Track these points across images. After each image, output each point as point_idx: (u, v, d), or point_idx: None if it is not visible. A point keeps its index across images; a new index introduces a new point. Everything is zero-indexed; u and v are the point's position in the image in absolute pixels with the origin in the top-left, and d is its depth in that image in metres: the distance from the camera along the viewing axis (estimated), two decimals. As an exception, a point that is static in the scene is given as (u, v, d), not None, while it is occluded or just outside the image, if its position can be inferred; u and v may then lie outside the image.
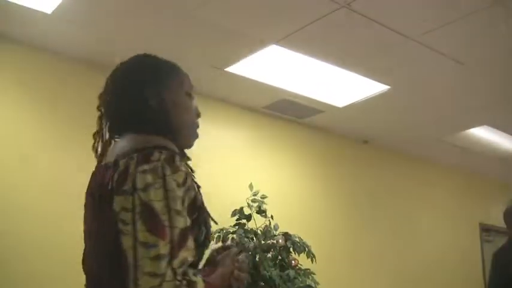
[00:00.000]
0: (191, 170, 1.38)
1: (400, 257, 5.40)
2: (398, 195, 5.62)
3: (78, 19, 3.21)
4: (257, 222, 3.90)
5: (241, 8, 3.11)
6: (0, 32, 3.40)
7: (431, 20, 3.19)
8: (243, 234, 3.77)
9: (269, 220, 3.93)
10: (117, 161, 1.25)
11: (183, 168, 1.26)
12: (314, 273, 3.89)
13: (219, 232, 3.75)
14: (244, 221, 3.87)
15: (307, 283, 3.77)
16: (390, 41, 3.42)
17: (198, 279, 1.19)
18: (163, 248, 1.14)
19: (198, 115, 1.47)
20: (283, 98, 4.38)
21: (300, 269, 3.85)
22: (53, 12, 3.14)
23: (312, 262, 3.88)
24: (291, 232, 3.93)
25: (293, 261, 3.82)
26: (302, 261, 3.89)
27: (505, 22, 3.16)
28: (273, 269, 3.66)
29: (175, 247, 1.16)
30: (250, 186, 3.95)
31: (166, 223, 1.17)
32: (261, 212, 3.90)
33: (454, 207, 6.17)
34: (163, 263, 1.13)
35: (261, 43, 3.52)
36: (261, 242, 3.81)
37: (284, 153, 4.81)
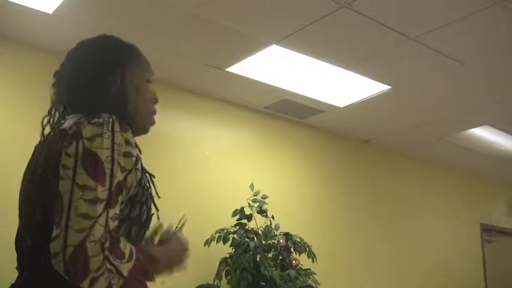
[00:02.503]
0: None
1: (401, 257, 5.39)
2: (399, 195, 5.61)
3: (79, 19, 3.22)
4: (258, 222, 3.91)
5: (241, 8, 3.11)
6: (0, 32, 3.41)
7: (432, 19, 3.19)
8: (244, 234, 3.77)
9: (270, 220, 3.93)
10: (65, 130, 1.24)
11: (133, 141, 1.26)
12: (315, 273, 3.89)
13: (219, 232, 3.75)
14: (245, 221, 3.87)
15: (308, 283, 3.77)
16: (391, 41, 3.42)
17: (126, 243, 1.17)
18: (101, 193, 1.14)
19: (155, 101, 1.46)
20: (284, 98, 4.38)
21: (300, 269, 3.85)
22: (53, 12, 3.15)
23: (313, 262, 3.88)
24: (291, 232, 3.93)
25: (294, 261, 3.82)
26: (303, 261, 3.89)
27: (505, 22, 3.16)
28: (273, 269, 3.66)
29: (113, 197, 1.16)
30: (251, 186, 3.95)
31: (108, 171, 1.16)
32: (261, 212, 3.90)
33: (455, 207, 6.16)
34: (99, 207, 1.12)
35: (262, 43, 3.52)
36: (261, 242, 3.82)
37: (285, 153, 4.81)
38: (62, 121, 1.37)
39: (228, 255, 3.75)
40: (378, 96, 4.27)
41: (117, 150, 1.19)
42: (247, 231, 3.83)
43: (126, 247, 1.15)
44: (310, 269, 3.89)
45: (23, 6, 3.08)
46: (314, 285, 3.81)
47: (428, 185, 5.94)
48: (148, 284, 1.26)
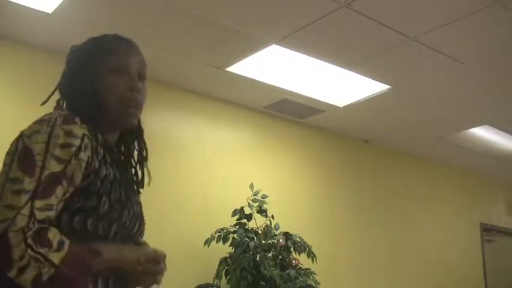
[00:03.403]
0: (109, 151, 1.36)
1: (401, 256, 5.40)
2: (399, 194, 5.61)
3: (79, 19, 3.22)
4: (258, 222, 3.91)
5: (241, 7, 3.11)
6: (0, 32, 3.41)
7: (432, 19, 3.19)
8: (244, 234, 3.77)
9: (270, 220, 3.93)
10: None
11: (85, 131, 1.26)
12: (315, 273, 3.89)
13: (219, 232, 3.75)
14: (244, 220, 3.87)
15: (308, 283, 3.77)
16: (390, 41, 3.42)
17: (58, 234, 1.15)
18: (28, 185, 1.15)
19: (131, 89, 1.40)
20: (284, 98, 4.38)
21: (300, 268, 3.85)
22: (53, 11, 3.15)
23: (313, 262, 3.88)
24: (291, 232, 3.94)
25: (294, 261, 3.82)
26: (303, 261, 3.89)
27: (505, 22, 3.16)
28: (273, 268, 3.66)
29: (41, 187, 1.16)
30: (251, 186, 3.95)
31: (39, 163, 1.18)
32: (261, 211, 3.90)
33: (455, 207, 6.16)
34: (23, 198, 1.13)
35: (262, 43, 3.52)
36: (261, 241, 3.82)
37: (285, 153, 4.81)
38: None
39: (227, 255, 3.75)
40: (378, 96, 4.27)
41: (52, 142, 1.20)
42: (247, 230, 3.83)
43: (55, 237, 1.14)
44: (310, 269, 3.89)
45: (23, 6, 3.08)
46: (314, 285, 3.81)
47: (428, 185, 5.94)
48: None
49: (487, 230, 6.47)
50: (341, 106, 4.51)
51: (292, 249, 3.86)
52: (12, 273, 1.09)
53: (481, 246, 6.32)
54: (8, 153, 1.22)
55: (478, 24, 3.19)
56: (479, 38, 3.40)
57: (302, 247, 3.87)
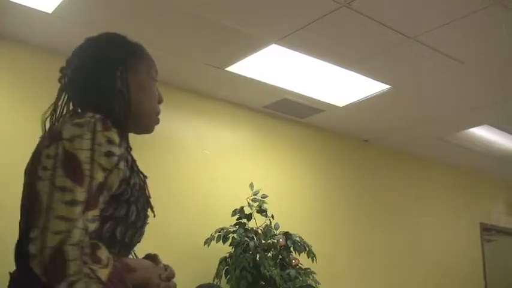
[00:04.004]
0: (132, 158, 1.35)
1: (401, 256, 5.40)
2: (399, 194, 5.62)
3: (79, 18, 3.22)
4: (258, 222, 3.91)
5: (241, 7, 3.11)
6: (0, 32, 3.41)
7: (432, 19, 3.19)
8: (244, 234, 3.77)
9: (270, 219, 3.93)
10: (51, 129, 1.25)
11: (119, 138, 1.23)
12: (315, 273, 3.89)
13: (219, 232, 3.75)
14: (244, 220, 3.87)
15: (308, 283, 3.77)
16: (390, 41, 3.42)
17: (103, 249, 1.14)
18: (80, 195, 1.12)
19: (160, 101, 1.46)
20: (284, 98, 4.38)
21: (300, 268, 3.85)
22: (53, 11, 3.15)
23: (313, 261, 3.88)
24: (291, 231, 3.94)
25: (294, 261, 3.82)
26: (303, 260, 3.89)
27: (504, 22, 3.16)
28: (273, 268, 3.66)
29: (92, 198, 1.14)
30: (251, 186, 3.95)
31: (87, 172, 1.15)
32: (261, 211, 3.90)
33: (455, 207, 6.16)
34: (77, 209, 1.11)
35: (262, 42, 3.52)
36: (261, 241, 3.82)
37: (284, 153, 4.81)
38: (60, 120, 1.37)
39: (227, 255, 3.75)
40: (378, 95, 4.27)
41: (97, 150, 1.17)
42: (247, 230, 3.83)
43: (103, 253, 1.13)
44: (309, 269, 3.89)
45: (23, 5, 3.08)
46: (314, 285, 3.81)
47: (428, 185, 5.95)
48: None
49: (487, 230, 6.47)
50: (341, 106, 4.51)
51: (292, 248, 3.86)
52: (62, 287, 1.06)
53: (481, 246, 6.32)
54: (48, 157, 1.16)
55: (478, 24, 3.19)
56: (479, 38, 3.40)
57: (302, 247, 3.87)
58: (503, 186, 6.86)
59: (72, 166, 1.14)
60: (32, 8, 3.11)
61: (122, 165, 1.23)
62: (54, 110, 1.39)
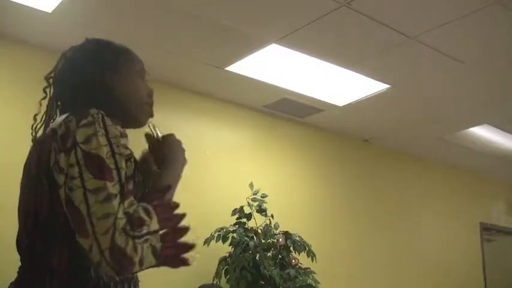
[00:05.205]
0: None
1: (401, 255, 5.40)
2: (399, 194, 5.62)
3: (79, 18, 3.22)
4: (257, 221, 3.91)
5: (241, 7, 3.11)
6: (0, 31, 3.41)
7: (432, 18, 3.18)
8: (243, 233, 3.77)
9: (269, 219, 3.93)
10: (54, 129, 1.25)
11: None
12: (314, 272, 3.89)
13: (219, 231, 3.75)
14: (244, 220, 3.88)
15: (308, 282, 3.77)
16: (390, 40, 3.42)
17: (138, 208, 1.19)
18: (112, 189, 1.15)
19: (150, 94, 1.48)
20: (284, 97, 4.38)
21: (300, 268, 3.85)
22: (53, 11, 3.15)
23: (313, 261, 3.88)
24: (291, 231, 3.94)
25: (293, 260, 3.83)
26: (302, 260, 3.89)
27: (505, 22, 3.16)
28: (273, 268, 3.66)
29: (124, 188, 1.18)
30: (251, 185, 3.95)
31: (113, 166, 1.18)
32: (261, 211, 3.90)
33: (455, 206, 6.17)
34: (115, 202, 1.14)
35: (261, 42, 3.52)
36: (261, 241, 3.82)
37: (284, 152, 4.81)
38: (52, 120, 1.40)
39: (227, 254, 3.75)
40: (378, 95, 4.27)
41: (114, 143, 1.20)
42: (246, 230, 3.83)
43: (140, 212, 1.17)
44: (309, 268, 3.89)
45: (22, 5, 3.08)
46: (314, 284, 3.81)
47: (428, 184, 5.95)
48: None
49: (487, 230, 6.48)
50: (341, 105, 4.51)
51: (291, 248, 3.86)
52: (136, 269, 1.14)
53: (480, 246, 6.32)
54: (71, 166, 1.17)
55: (478, 23, 3.19)
56: (479, 37, 3.40)
57: (302, 246, 3.87)
58: (503, 186, 6.87)
59: (96, 165, 1.16)
60: (32, 8, 3.11)
61: (132, 160, 1.28)
62: (43, 118, 1.43)
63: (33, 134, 1.42)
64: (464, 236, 6.18)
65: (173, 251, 1.23)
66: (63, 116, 1.29)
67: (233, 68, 3.87)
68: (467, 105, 4.53)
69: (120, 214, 1.13)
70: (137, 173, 1.34)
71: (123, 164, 1.20)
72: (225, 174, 4.31)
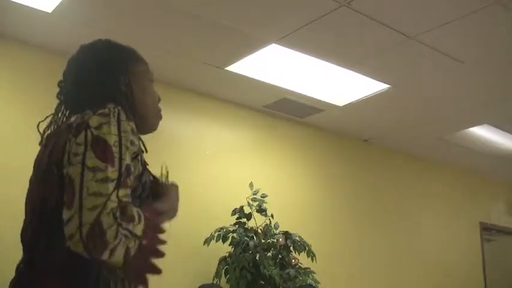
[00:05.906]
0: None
1: (401, 255, 5.40)
2: (399, 194, 5.62)
3: (79, 18, 3.22)
4: (257, 221, 3.91)
5: (241, 7, 3.11)
6: (0, 31, 3.41)
7: (432, 18, 3.19)
8: (243, 233, 3.78)
9: (269, 219, 3.93)
10: (70, 124, 1.28)
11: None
12: (314, 272, 3.89)
13: (219, 231, 3.75)
14: (244, 219, 3.88)
15: (308, 282, 3.77)
16: (390, 40, 3.42)
17: (132, 207, 1.20)
18: (111, 174, 1.17)
19: (159, 99, 1.53)
20: (284, 97, 4.38)
21: (300, 268, 3.85)
22: (53, 11, 3.15)
23: (312, 261, 3.88)
24: (291, 231, 3.94)
25: (293, 260, 3.83)
26: (302, 260, 3.89)
27: (505, 22, 3.16)
28: (273, 267, 3.67)
29: (123, 177, 1.19)
30: (251, 185, 3.96)
31: (117, 154, 1.20)
32: (261, 210, 3.90)
33: (455, 206, 6.17)
34: (110, 186, 1.15)
35: (261, 42, 3.52)
36: (261, 240, 3.82)
37: (284, 152, 4.82)
38: (64, 119, 1.41)
39: (227, 254, 3.75)
40: (378, 95, 4.27)
41: (124, 137, 1.22)
42: (246, 230, 3.83)
43: (133, 211, 1.18)
44: (309, 268, 3.89)
45: (22, 5, 3.08)
46: (313, 284, 3.81)
47: (428, 184, 5.95)
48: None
49: (487, 230, 6.48)
50: (341, 105, 4.51)
51: (291, 248, 3.86)
52: (105, 256, 1.12)
53: (480, 246, 6.32)
54: (78, 144, 1.20)
55: (478, 23, 3.19)
56: (479, 37, 3.40)
57: (302, 246, 3.87)
58: (503, 185, 6.87)
59: (101, 148, 1.18)
60: (32, 8, 3.11)
61: (139, 157, 1.29)
62: (53, 121, 1.43)
63: (42, 132, 1.42)
64: (464, 236, 6.18)
65: (140, 268, 1.22)
66: (80, 114, 1.31)
67: (233, 68, 3.87)
68: (467, 105, 4.53)
69: (113, 198, 1.14)
70: (146, 173, 1.35)
71: (128, 158, 1.22)
72: (225, 174, 4.31)
